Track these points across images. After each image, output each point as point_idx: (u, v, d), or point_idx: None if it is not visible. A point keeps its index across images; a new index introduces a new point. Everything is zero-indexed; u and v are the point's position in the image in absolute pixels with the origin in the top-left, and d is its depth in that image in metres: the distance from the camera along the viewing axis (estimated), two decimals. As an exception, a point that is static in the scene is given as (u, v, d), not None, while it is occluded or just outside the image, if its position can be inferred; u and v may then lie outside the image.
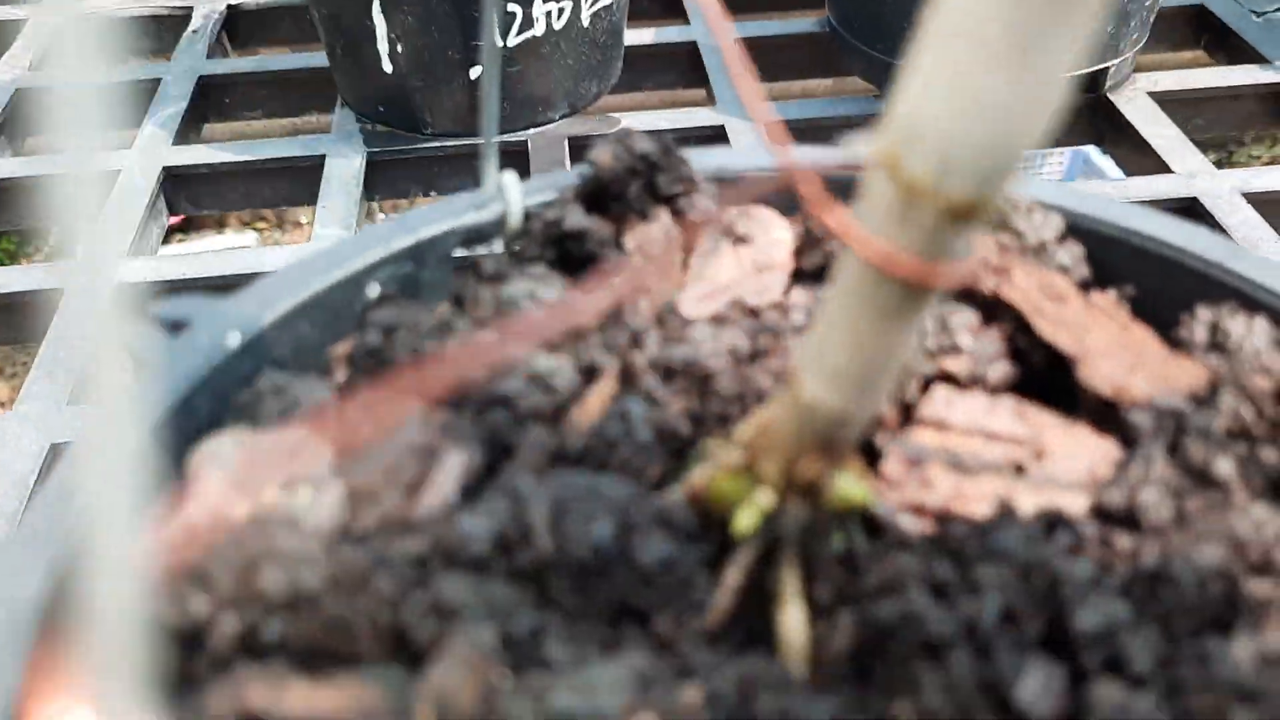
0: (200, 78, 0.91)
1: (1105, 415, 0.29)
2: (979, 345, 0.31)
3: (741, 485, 0.26)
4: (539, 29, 0.79)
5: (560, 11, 0.79)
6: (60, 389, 0.64)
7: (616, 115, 0.86)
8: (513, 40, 0.78)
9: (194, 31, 0.97)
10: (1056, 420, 0.29)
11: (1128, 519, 0.26)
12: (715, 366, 0.30)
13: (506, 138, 0.83)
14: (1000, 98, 0.17)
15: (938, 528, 0.27)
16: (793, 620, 0.25)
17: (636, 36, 0.93)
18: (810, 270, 0.35)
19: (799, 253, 0.35)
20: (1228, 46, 0.97)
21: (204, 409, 0.30)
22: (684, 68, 0.95)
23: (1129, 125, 0.84)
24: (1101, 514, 0.27)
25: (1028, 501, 0.27)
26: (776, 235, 0.35)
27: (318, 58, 0.92)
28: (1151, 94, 0.87)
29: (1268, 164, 0.87)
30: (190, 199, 0.83)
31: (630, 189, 0.35)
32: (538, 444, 0.28)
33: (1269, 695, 0.22)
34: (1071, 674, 0.24)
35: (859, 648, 0.24)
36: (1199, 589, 0.24)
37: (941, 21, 0.17)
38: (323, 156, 0.82)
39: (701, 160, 0.36)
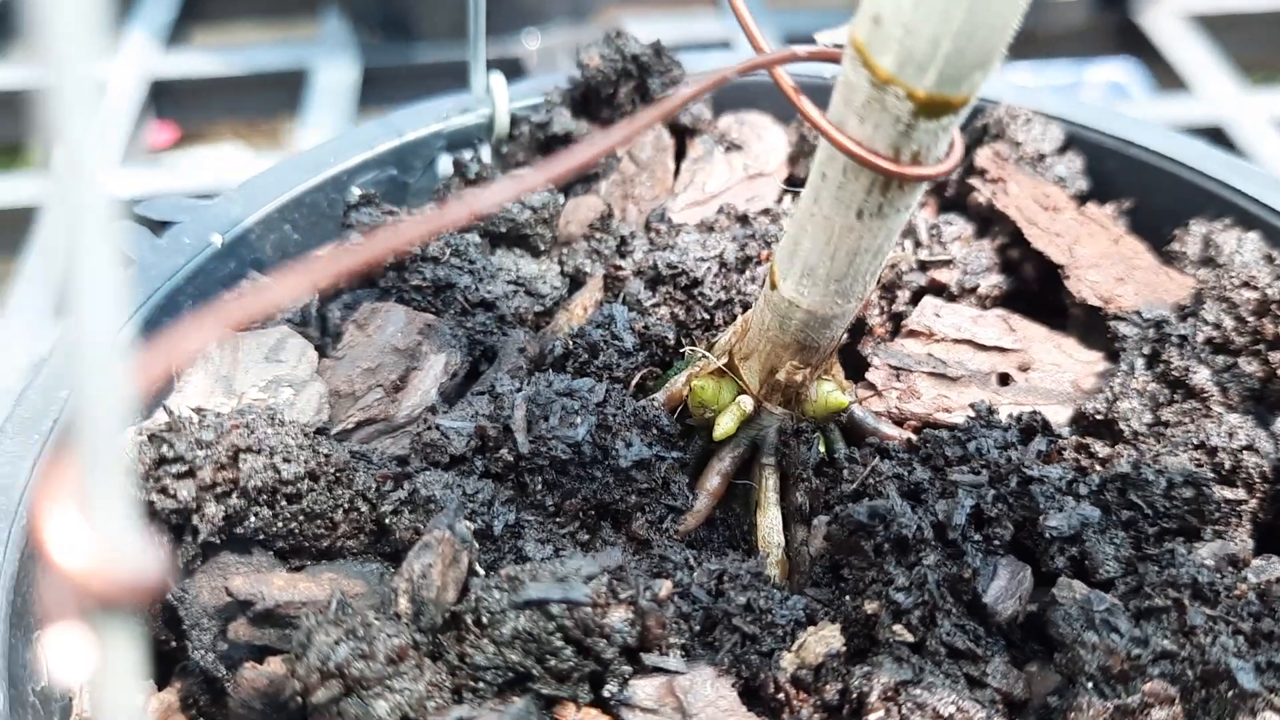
0: (187, -19, 0.91)
1: (1093, 326, 0.30)
2: (971, 256, 0.32)
3: (722, 390, 0.27)
4: (540, -67, 0.78)
5: (562, -86, 0.78)
6: (46, 302, 0.65)
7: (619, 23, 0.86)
8: (512, -55, 0.78)
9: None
10: (1045, 332, 0.30)
11: (1107, 427, 0.27)
12: (701, 273, 0.31)
13: (506, 47, 0.83)
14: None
15: (920, 435, 0.28)
16: (768, 525, 0.27)
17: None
18: (805, 178, 0.35)
19: (794, 159, 0.36)
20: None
21: (188, 307, 0.31)
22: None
23: (1157, 46, 0.84)
24: (1081, 422, 0.28)
25: (1010, 410, 0.28)
26: (770, 141, 0.36)
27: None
28: (1181, 14, 0.87)
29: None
30: (179, 109, 0.84)
31: (620, 92, 0.35)
32: (519, 347, 0.29)
33: (1225, 594, 0.23)
34: (1040, 575, 0.25)
35: (833, 549, 0.25)
36: (1167, 495, 0.25)
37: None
38: (310, 67, 0.82)
39: (695, 64, 0.37)
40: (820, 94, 0.24)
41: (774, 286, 0.24)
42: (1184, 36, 0.87)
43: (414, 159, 0.34)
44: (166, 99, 0.84)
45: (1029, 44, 0.89)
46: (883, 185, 0.20)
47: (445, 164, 0.35)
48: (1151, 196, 0.33)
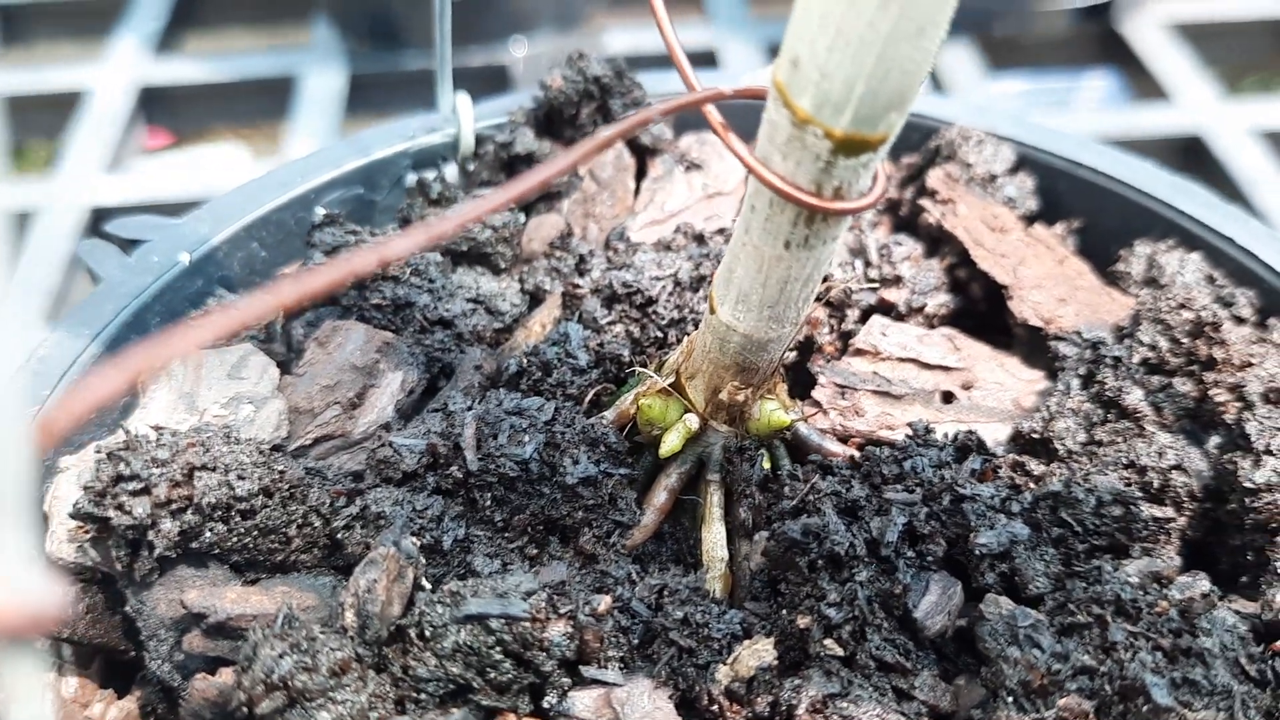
0: (178, -12, 0.92)
1: (1036, 346, 0.31)
2: (919, 276, 0.32)
3: (669, 408, 0.28)
4: (526, -58, 0.79)
5: (548, -76, 0.79)
6: (34, 309, 0.66)
7: (602, 33, 0.86)
8: (498, -46, 0.79)
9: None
10: (989, 351, 0.31)
11: (1043, 445, 0.28)
12: (656, 291, 0.32)
13: (493, 55, 0.84)
14: (868, 31, 0.18)
15: (862, 452, 0.29)
16: (713, 541, 0.28)
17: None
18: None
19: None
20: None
21: (154, 324, 0.32)
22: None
23: (1137, 54, 0.85)
24: (1019, 440, 0.29)
25: (950, 429, 0.29)
26: (730, 161, 0.37)
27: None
28: (1163, 23, 0.87)
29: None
30: (169, 115, 0.84)
31: (582, 112, 0.36)
32: (475, 364, 0.30)
33: (1148, 611, 0.24)
34: (971, 591, 0.26)
35: (770, 564, 0.26)
36: (1097, 513, 0.26)
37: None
38: (298, 74, 0.83)
39: (655, 85, 0.38)
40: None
41: (713, 311, 0.25)
42: (1165, 45, 0.88)
43: (381, 177, 0.35)
44: (158, 105, 0.85)
45: (1015, 52, 0.90)
46: (807, 218, 0.21)
47: (412, 182, 0.36)
48: (1100, 217, 0.33)
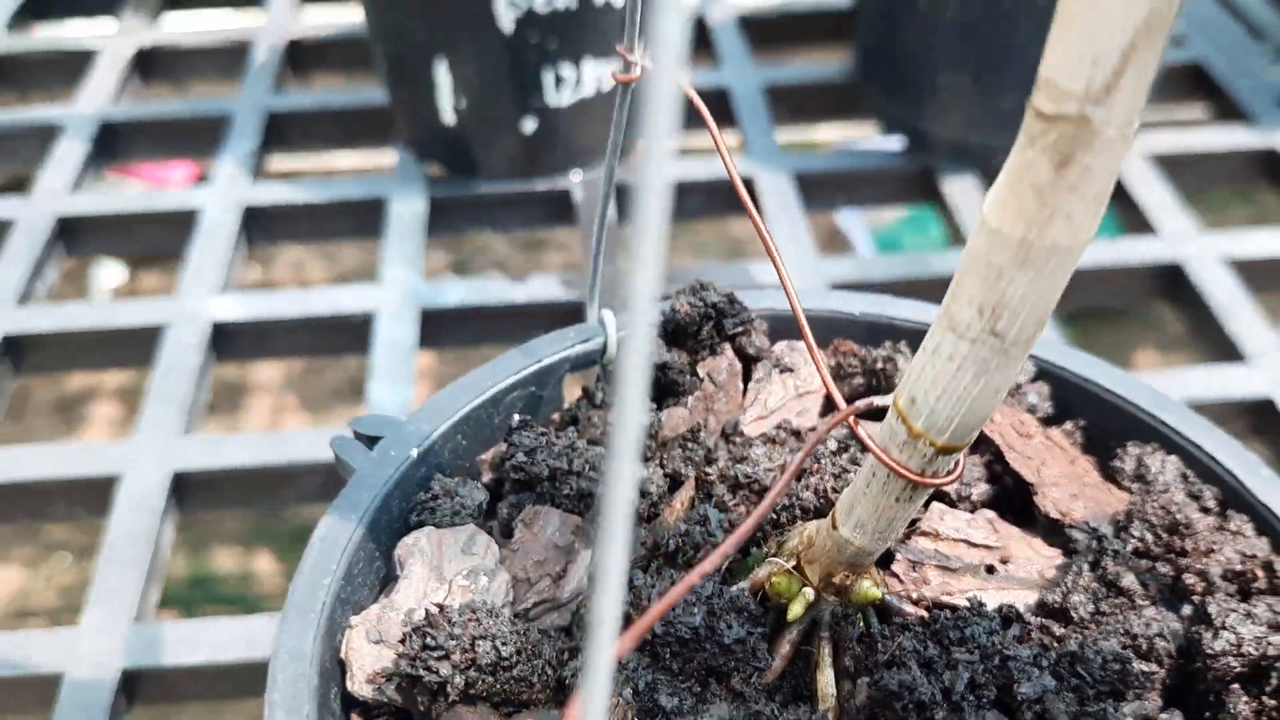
0: (269, 113, 1.03)
1: (1055, 529, 0.42)
2: (966, 471, 0.43)
3: (792, 584, 0.39)
4: (588, 91, 0.91)
5: (612, 74, 0.91)
6: (175, 419, 0.76)
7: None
8: (566, 101, 0.90)
9: (260, 65, 1.09)
10: (1019, 533, 0.42)
11: (1061, 614, 0.39)
12: (769, 481, 0.43)
13: (555, 183, 0.95)
14: (964, 394, 0.29)
15: (930, 613, 0.40)
16: (825, 682, 0.38)
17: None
18: (844, 396, 0.47)
19: (834, 380, 0.48)
20: (1221, 104, 1.08)
21: (396, 507, 0.42)
22: (715, 111, 1.06)
23: (1125, 187, 0.96)
24: (1044, 608, 0.40)
25: (994, 597, 0.40)
26: (813, 367, 0.48)
27: (374, 94, 1.04)
28: (1146, 154, 0.99)
29: (1251, 226, 0.99)
30: (267, 233, 0.95)
31: (703, 329, 0.47)
32: (641, 540, 0.41)
33: (1139, 745, 0.35)
34: (1014, 724, 0.37)
35: (872, 704, 0.37)
36: (1103, 668, 0.36)
37: (932, 344, 0.30)
38: (387, 197, 0.94)
39: (758, 302, 0.49)
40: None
41: (835, 527, 0.36)
42: (1147, 177, 0.99)
43: (548, 378, 0.46)
44: (257, 224, 0.96)
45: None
46: (913, 486, 0.32)
47: (570, 381, 0.47)
48: (1099, 420, 0.44)
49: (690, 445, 0.45)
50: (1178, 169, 1.01)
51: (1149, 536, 0.39)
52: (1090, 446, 0.45)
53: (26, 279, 0.88)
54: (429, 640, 0.35)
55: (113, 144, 1.03)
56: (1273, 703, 0.37)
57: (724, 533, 0.41)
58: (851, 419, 0.33)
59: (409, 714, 0.36)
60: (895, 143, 1.02)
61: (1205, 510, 0.42)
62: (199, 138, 1.04)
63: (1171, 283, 0.90)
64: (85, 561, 1.52)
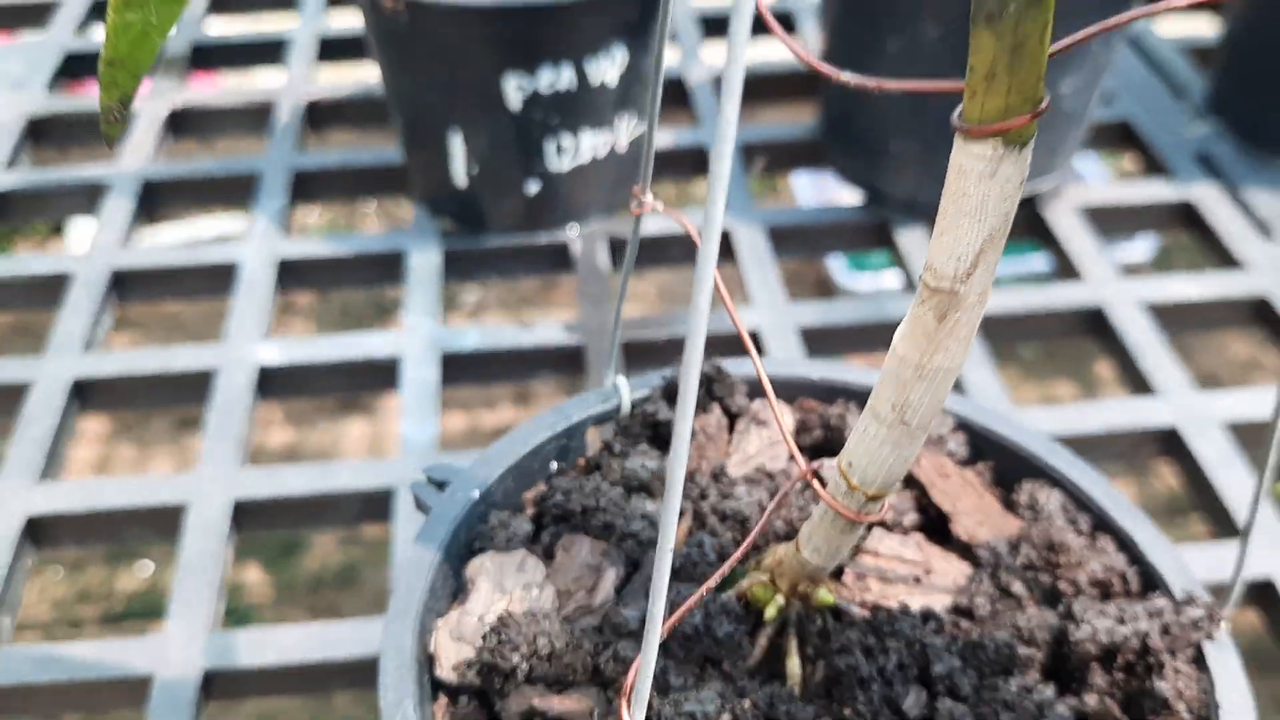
0: (294, 171, 1.16)
1: (966, 549, 0.56)
2: (900, 503, 0.57)
3: (767, 592, 0.52)
4: (585, 158, 1.04)
5: (606, 143, 1.04)
6: (232, 453, 0.89)
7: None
8: (566, 167, 1.04)
9: (284, 126, 1.21)
10: (940, 551, 0.56)
11: (968, 612, 0.53)
12: (750, 514, 0.56)
13: (555, 236, 1.08)
14: (884, 461, 0.43)
15: (871, 613, 0.53)
16: (793, 665, 0.52)
17: (657, 139, 1.18)
18: (806, 445, 0.61)
19: (797, 432, 0.62)
20: (1147, 158, 1.23)
21: (463, 537, 0.56)
22: (695, 166, 1.20)
23: (1055, 235, 1.11)
24: (955, 609, 0.53)
25: (918, 601, 0.53)
26: (785, 421, 0.61)
27: (390, 154, 1.17)
28: (1076, 207, 1.14)
29: (1164, 272, 1.14)
30: (298, 283, 1.08)
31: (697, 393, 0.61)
32: (651, 563, 0.54)
33: (1020, 705, 0.48)
34: (932, 694, 0.50)
35: (827, 681, 0.50)
36: (996, 652, 0.50)
37: (862, 427, 0.43)
38: (405, 250, 1.07)
39: (739, 369, 0.62)
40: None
41: (798, 550, 0.49)
42: (1077, 228, 1.14)
43: (576, 431, 0.59)
44: (291, 275, 1.08)
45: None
46: (852, 523, 0.46)
47: (591, 435, 0.60)
48: (1003, 462, 0.58)
49: (688, 485, 0.58)
50: (1104, 219, 1.16)
51: (1034, 554, 0.53)
52: (996, 483, 0.59)
53: (89, 328, 1.00)
54: (503, 636, 0.48)
55: (154, 199, 1.16)
56: (1120, 676, 0.51)
57: (716, 554, 0.55)
58: (810, 475, 0.46)
59: (484, 693, 0.50)
60: (855, 196, 1.16)
61: (1079, 533, 0.56)
62: (233, 193, 1.16)
63: (1096, 324, 1.05)
64: (164, 567, 1.64)
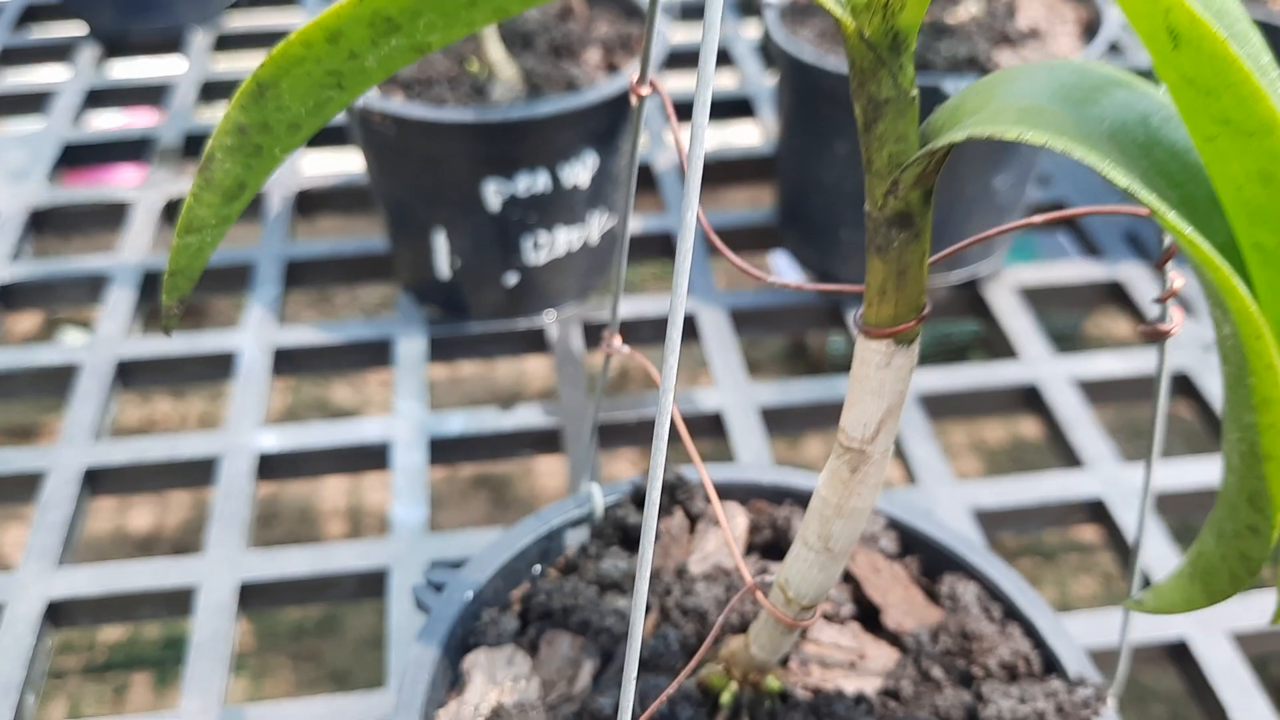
0: (287, 261, 1.25)
1: (895, 638, 0.65)
2: (838, 596, 0.67)
3: (723, 680, 0.61)
4: (559, 252, 1.14)
5: (579, 238, 1.14)
6: (236, 535, 0.97)
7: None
8: (542, 260, 1.13)
9: (275, 216, 1.30)
10: (873, 639, 0.65)
11: (895, 694, 0.62)
12: (708, 608, 0.65)
13: (532, 321, 1.17)
14: (814, 579, 0.52)
15: (814, 696, 0.62)
16: (745, 742, 0.61)
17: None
18: (758, 543, 0.70)
19: (751, 531, 0.71)
20: (1080, 238, 1.34)
21: (459, 634, 0.64)
22: (660, 251, 1.29)
23: (995, 315, 1.21)
24: (885, 691, 0.63)
25: (853, 684, 0.62)
26: (738, 520, 0.71)
27: (376, 243, 1.26)
28: (1014, 287, 1.24)
29: (1095, 349, 1.24)
30: (292, 369, 1.17)
31: (662, 500, 0.70)
32: (623, 655, 0.63)
33: (935, 779, 0.58)
34: (863, 767, 0.59)
35: (774, 757, 0.59)
36: (917, 731, 0.59)
37: (794, 552, 0.52)
38: (393, 337, 1.16)
39: (698, 476, 0.72)
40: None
41: (747, 647, 0.58)
42: (1014, 308, 1.24)
43: (555, 535, 0.68)
44: (286, 362, 1.17)
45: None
46: (790, 627, 0.55)
47: (569, 536, 0.69)
48: (928, 557, 0.68)
49: (654, 582, 0.67)
50: (1039, 299, 1.26)
51: (951, 641, 0.63)
52: (922, 575, 0.69)
53: (98, 417, 1.08)
54: (498, 728, 0.57)
55: (154, 288, 1.24)
56: (1023, 748, 0.60)
57: (679, 646, 0.64)
58: (754, 590, 0.55)
59: (483, 774, 0.58)
60: (803, 277, 1.26)
61: (991, 620, 0.65)
62: (230, 281, 1.25)
63: (1030, 399, 1.15)
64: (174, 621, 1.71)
